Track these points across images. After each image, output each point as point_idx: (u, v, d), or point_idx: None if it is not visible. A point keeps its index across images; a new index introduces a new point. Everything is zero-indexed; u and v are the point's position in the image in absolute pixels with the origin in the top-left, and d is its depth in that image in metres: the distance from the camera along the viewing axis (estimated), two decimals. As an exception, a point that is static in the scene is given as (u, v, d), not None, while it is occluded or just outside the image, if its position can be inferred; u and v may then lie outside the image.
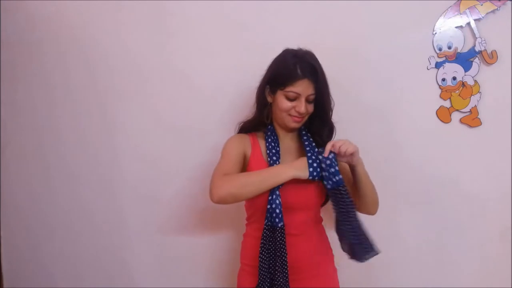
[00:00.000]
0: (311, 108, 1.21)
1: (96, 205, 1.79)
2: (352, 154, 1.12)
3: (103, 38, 1.70)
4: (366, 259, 1.17)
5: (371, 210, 1.27)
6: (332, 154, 1.13)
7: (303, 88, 1.16)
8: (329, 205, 1.31)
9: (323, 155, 1.14)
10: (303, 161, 1.14)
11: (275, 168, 1.15)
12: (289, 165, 1.15)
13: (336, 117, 1.28)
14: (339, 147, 1.11)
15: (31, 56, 1.80)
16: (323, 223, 1.33)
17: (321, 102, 1.21)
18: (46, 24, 1.76)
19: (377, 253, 1.16)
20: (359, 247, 1.15)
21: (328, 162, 1.12)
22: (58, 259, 1.87)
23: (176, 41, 1.64)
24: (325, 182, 1.13)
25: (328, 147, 1.13)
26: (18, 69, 1.83)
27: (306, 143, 1.24)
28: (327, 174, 1.12)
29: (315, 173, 1.12)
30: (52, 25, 1.75)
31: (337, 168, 1.12)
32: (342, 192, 1.12)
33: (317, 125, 1.27)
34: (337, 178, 1.11)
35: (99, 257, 1.82)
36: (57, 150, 1.81)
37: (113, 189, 1.77)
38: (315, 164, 1.13)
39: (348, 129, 1.34)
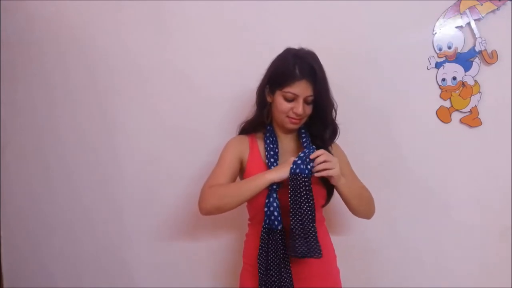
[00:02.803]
0: (309, 109, 1.20)
1: (96, 205, 1.79)
2: (330, 177, 1.11)
3: (103, 38, 1.70)
4: (305, 257, 1.10)
5: (364, 217, 1.29)
6: (312, 149, 1.14)
7: (301, 89, 1.15)
8: (330, 206, 1.32)
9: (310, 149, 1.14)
10: (286, 162, 1.13)
11: (255, 176, 1.15)
12: (270, 170, 1.15)
13: (337, 117, 1.28)
14: (322, 163, 1.09)
15: (31, 56, 1.79)
16: (326, 223, 1.33)
17: (320, 103, 1.19)
18: (46, 24, 1.76)
19: (319, 257, 1.10)
20: (303, 242, 1.10)
21: (306, 151, 1.13)
22: (58, 259, 1.87)
23: (176, 41, 1.64)
24: (292, 164, 1.12)
25: (318, 153, 1.11)
26: (18, 69, 1.83)
27: (305, 144, 1.23)
28: (297, 158, 1.12)
29: (297, 170, 1.10)
30: (52, 25, 1.75)
31: (307, 159, 1.11)
32: (300, 182, 1.09)
33: (318, 127, 1.25)
34: (302, 166, 1.10)
35: (99, 257, 1.82)
36: (57, 150, 1.81)
37: (113, 189, 1.77)
38: (299, 161, 1.11)
39: (348, 129, 1.34)
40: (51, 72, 1.78)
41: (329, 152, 1.24)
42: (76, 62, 1.74)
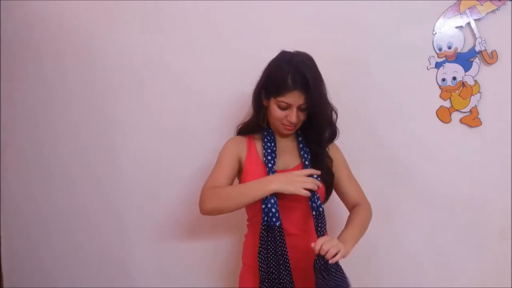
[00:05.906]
0: (303, 116, 1.19)
1: (96, 206, 1.79)
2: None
3: (101, 40, 1.70)
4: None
5: None
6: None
7: (294, 99, 1.14)
8: (331, 208, 1.32)
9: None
10: (294, 180, 1.10)
11: (260, 180, 1.14)
12: (275, 177, 1.13)
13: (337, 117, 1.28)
14: (326, 251, 1.04)
15: (30, 57, 1.79)
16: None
17: (314, 112, 1.18)
18: (45, 25, 1.76)
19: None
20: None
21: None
22: (58, 259, 1.87)
23: (174, 43, 1.64)
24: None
25: (319, 243, 1.05)
26: (18, 69, 1.82)
27: (302, 152, 1.24)
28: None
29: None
30: (51, 26, 1.75)
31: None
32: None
33: (314, 132, 1.24)
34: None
35: (99, 258, 1.82)
36: (57, 151, 1.81)
37: (112, 189, 1.77)
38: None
39: (348, 129, 1.34)
40: (50, 72, 1.78)
41: (327, 153, 1.25)
42: (74, 63, 1.74)
